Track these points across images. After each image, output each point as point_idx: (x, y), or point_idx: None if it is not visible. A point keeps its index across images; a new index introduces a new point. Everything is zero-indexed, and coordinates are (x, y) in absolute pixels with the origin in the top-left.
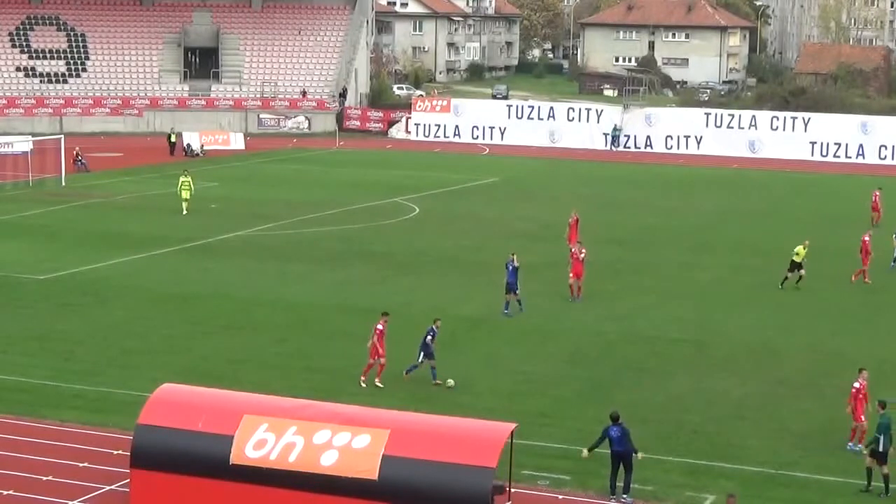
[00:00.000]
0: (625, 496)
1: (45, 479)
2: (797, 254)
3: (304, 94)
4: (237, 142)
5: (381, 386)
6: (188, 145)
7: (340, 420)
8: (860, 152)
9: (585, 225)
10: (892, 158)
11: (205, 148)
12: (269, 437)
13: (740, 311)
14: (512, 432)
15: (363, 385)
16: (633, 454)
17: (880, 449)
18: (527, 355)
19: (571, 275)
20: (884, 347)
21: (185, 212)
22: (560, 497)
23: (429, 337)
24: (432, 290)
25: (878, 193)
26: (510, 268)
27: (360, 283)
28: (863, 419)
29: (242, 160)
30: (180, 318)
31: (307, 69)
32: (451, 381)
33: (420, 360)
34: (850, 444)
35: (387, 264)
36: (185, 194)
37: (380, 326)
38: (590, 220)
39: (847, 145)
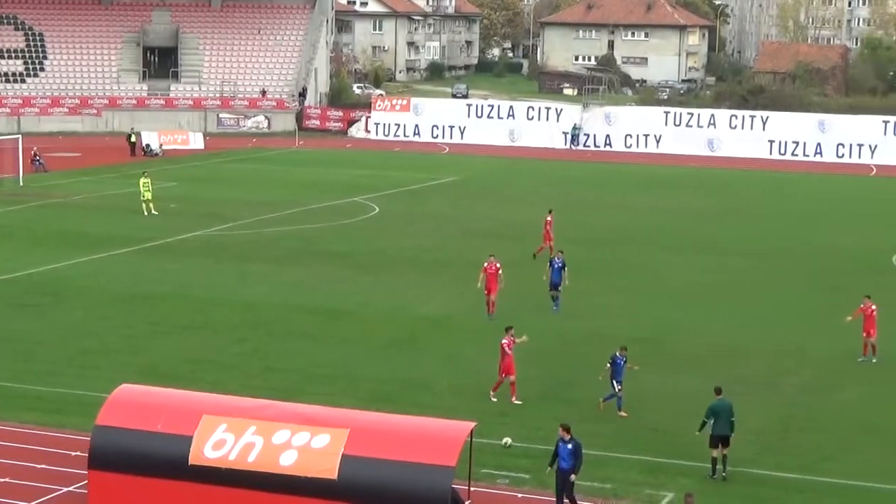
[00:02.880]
0: None
1: (2, 480)
2: None
3: (263, 93)
4: (196, 141)
5: (520, 403)
6: (147, 145)
7: (300, 420)
8: (818, 150)
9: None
10: (850, 157)
11: (164, 147)
12: (228, 438)
13: (701, 309)
14: (471, 431)
15: (493, 399)
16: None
17: (719, 433)
18: (487, 354)
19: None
20: (845, 343)
21: (151, 212)
22: (519, 496)
23: (619, 363)
24: (392, 289)
25: None
26: (556, 265)
27: (319, 282)
28: None
29: (202, 160)
30: (139, 318)
31: (267, 68)
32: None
33: (619, 389)
34: None
35: (346, 264)
36: (146, 195)
37: (504, 341)
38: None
39: (805, 144)
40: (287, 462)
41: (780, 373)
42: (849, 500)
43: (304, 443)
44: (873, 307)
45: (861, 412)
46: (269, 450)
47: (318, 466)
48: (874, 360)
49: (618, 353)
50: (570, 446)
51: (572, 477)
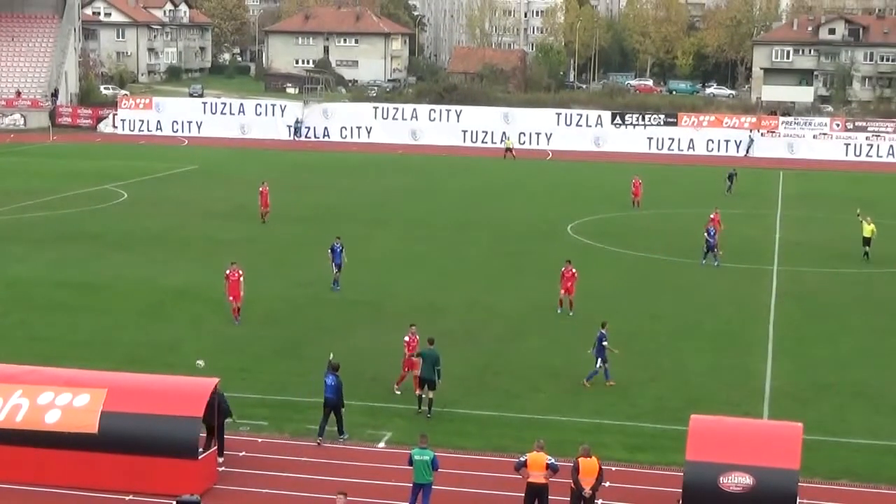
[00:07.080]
0: (342, 437)
1: None
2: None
3: (18, 94)
4: None
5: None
6: None
7: (62, 382)
8: (504, 138)
9: (275, 205)
10: (530, 143)
11: None
12: None
13: (409, 274)
14: (215, 386)
15: (397, 392)
16: (342, 406)
17: (425, 377)
18: (227, 319)
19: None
20: (528, 299)
21: None
22: (259, 440)
23: (604, 342)
24: (141, 264)
25: (639, 180)
26: (337, 249)
27: (75, 260)
28: None
29: None
30: None
31: (21, 72)
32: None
33: (599, 366)
34: None
35: (100, 243)
36: None
37: (406, 338)
38: (277, 200)
39: (493, 133)
40: (52, 420)
41: (475, 326)
42: (534, 431)
43: (66, 402)
44: (574, 270)
45: (544, 358)
46: (35, 410)
47: (80, 422)
48: (571, 314)
49: (602, 331)
50: (334, 382)
51: (343, 410)
